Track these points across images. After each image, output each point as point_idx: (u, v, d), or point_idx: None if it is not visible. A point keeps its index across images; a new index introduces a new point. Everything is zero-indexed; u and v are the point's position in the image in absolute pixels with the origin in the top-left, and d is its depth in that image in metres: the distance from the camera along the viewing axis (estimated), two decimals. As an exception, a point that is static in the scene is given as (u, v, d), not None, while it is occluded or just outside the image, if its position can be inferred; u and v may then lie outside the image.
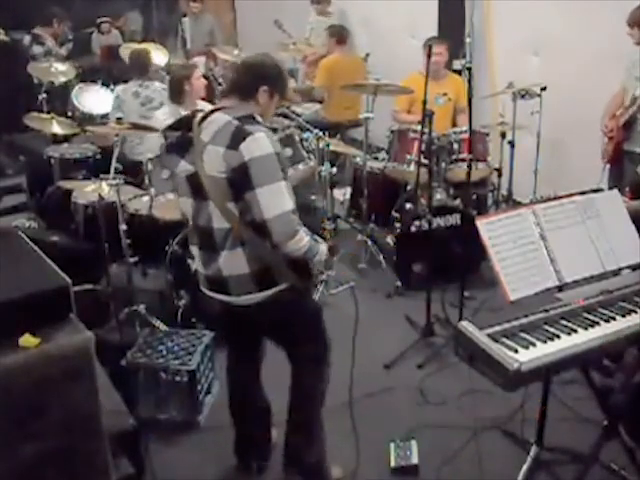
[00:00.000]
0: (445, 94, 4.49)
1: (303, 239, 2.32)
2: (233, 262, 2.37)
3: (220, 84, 6.36)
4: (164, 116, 4.33)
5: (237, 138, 2.26)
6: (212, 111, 2.39)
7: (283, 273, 2.39)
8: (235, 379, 2.84)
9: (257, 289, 2.40)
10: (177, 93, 4.31)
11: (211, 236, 2.38)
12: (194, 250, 2.52)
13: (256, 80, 2.42)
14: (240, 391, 2.84)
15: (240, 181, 2.26)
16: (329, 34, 6.32)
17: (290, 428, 2.72)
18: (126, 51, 6.07)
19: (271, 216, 2.25)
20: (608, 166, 4.37)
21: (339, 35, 6.26)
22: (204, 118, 2.37)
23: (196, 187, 2.36)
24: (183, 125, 2.44)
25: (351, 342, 3.87)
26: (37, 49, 7.26)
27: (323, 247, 2.45)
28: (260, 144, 2.26)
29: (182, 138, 2.42)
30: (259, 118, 2.40)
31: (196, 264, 2.54)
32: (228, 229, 2.34)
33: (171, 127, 2.51)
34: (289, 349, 2.65)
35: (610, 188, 2.74)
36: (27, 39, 7.18)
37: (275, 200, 2.26)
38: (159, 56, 6.06)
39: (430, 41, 4.83)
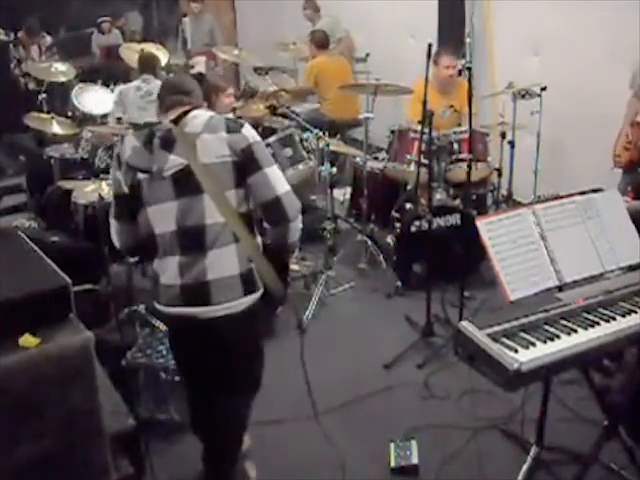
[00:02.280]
0: (451, 106, 4.49)
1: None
2: (222, 261, 2.29)
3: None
4: None
5: (234, 125, 2.36)
6: (186, 112, 2.38)
7: (266, 270, 2.31)
8: (199, 404, 2.59)
9: (243, 292, 2.32)
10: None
11: (201, 235, 2.28)
12: (166, 262, 2.31)
13: (198, 89, 2.53)
14: (205, 415, 2.58)
15: (247, 163, 2.32)
16: (310, 40, 6.34)
17: (224, 465, 2.57)
18: (126, 51, 6.09)
19: (283, 192, 2.34)
20: (620, 171, 4.34)
21: (319, 41, 6.28)
22: (177, 119, 2.36)
23: (186, 183, 2.27)
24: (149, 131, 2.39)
25: (350, 342, 3.90)
26: (14, 53, 7.26)
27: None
28: (254, 132, 2.40)
29: (169, 133, 2.33)
30: None
31: (166, 277, 2.32)
32: (222, 224, 2.28)
33: (145, 126, 2.48)
34: (240, 373, 2.47)
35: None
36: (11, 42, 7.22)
37: (280, 178, 2.38)
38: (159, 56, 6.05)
39: (440, 51, 4.83)
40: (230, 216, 2.28)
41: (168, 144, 2.31)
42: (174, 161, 2.29)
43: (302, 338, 2.51)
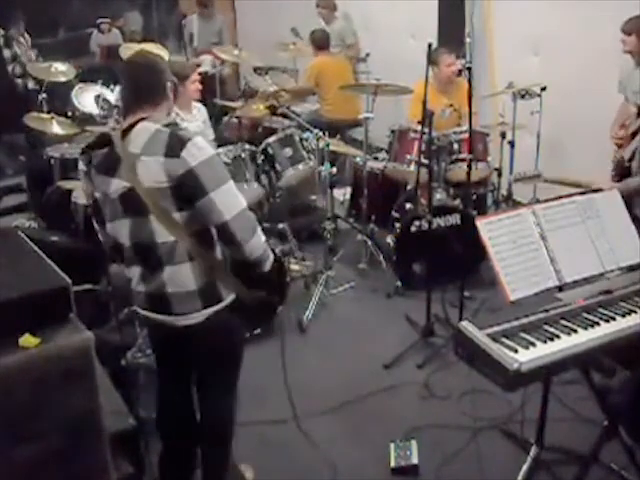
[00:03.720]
0: (451, 105, 4.49)
1: (262, 236, 2.30)
2: (179, 278, 2.26)
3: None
4: None
5: (175, 145, 2.16)
6: (134, 123, 2.25)
7: (231, 282, 2.31)
8: (166, 400, 2.64)
9: (202, 305, 2.30)
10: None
11: (155, 251, 2.25)
12: (132, 270, 2.36)
13: (160, 76, 2.33)
14: (170, 411, 2.64)
15: (189, 189, 2.17)
16: (310, 40, 6.34)
17: (212, 468, 2.56)
18: (126, 51, 6.08)
19: (231, 216, 2.19)
20: None
21: (318, 41, 6.28)
22: (126, 131, 2.24)
23: (133, 204, 2.23)
24: (101, 144, 2.30)
25: (350, 342, 3.89)
26: (6, 52, 7.20)
27: (271, 255, 2.39)
28: (201, 148, 2.18)
29: (109, 156, 2.26)
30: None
31: (134, 283, 2.37)
32: (173, 242, 2.23)
33: (89, 147, 2.35)
34: (215, 375, 2.50)
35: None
36: (1, 41, 7.14)
37: (231, 200, 2.21)
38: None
39: (438, 51, 4.82)
40: (179, 236, 2.23)
41: (110, 168, 2.26)
42: (118, 184, 2.25)
43: (283, 339, 2.65)
